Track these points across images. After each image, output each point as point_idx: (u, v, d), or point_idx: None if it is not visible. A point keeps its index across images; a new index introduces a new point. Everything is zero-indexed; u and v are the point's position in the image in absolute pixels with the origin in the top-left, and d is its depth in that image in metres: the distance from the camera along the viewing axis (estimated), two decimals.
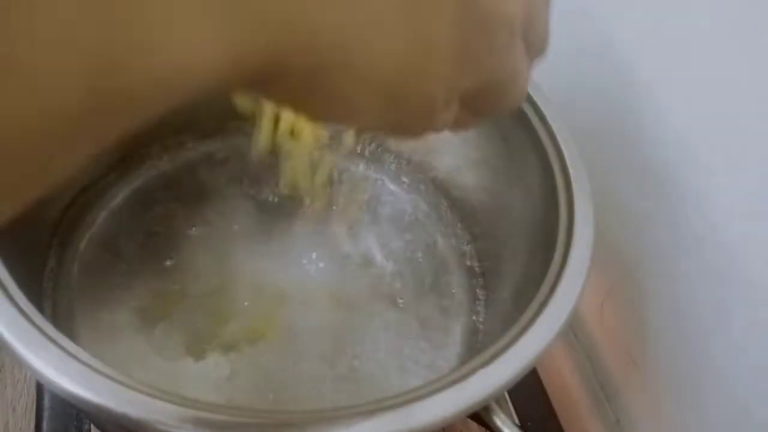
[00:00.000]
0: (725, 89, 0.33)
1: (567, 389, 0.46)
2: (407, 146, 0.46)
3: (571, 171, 0.34)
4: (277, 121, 0.33)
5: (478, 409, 0.26)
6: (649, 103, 0.38)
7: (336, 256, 0.40)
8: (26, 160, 0.12)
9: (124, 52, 0.11)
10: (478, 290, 0.40)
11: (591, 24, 0.43)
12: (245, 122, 0.33)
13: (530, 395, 0.43)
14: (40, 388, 0.39)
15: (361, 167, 0.45)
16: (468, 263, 0.42)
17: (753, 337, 0.32)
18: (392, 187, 0.45)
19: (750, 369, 0.33)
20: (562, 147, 0.35)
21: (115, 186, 0.41)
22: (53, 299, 0.34)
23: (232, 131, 0.43)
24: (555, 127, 0.36)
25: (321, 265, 0.39)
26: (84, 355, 0.23)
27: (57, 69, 0.11)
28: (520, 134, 0.37)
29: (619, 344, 0.43)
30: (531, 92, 0.37)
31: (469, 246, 0.42)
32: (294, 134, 0.33)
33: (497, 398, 0.26)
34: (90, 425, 0.37)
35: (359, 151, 0.45)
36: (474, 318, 0.39)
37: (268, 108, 0.32)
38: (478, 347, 0.37)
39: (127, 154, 0.42)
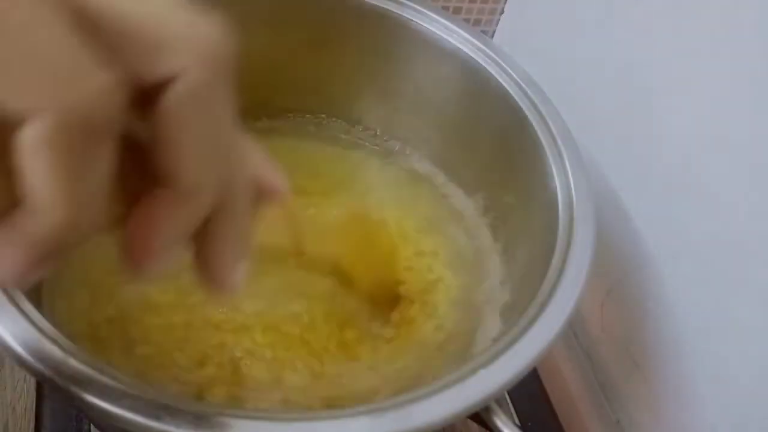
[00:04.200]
0: (726, 89, 0.33)
1: (567, 389, 0.46)
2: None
3: (570, 171, 0.34)
4: None
5: (479, 410, 0.26)
6: (649, 103, 0.38)
7: None
8: None
9: None
10: (478, 290, 0.40)
11: (591, 24, 0.43)
12: None
13: (531, 395, 0.44)
14: (40, 388, 0.39)
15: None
16: (468, 263, 0.41)
17: (753, 337, 0.32)
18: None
19: (750, 369, 0.33)
20: (562, 147, 0.35)
21: None
22: (51, 293, 0.34)
23: None
24: (555, 127, 0.36)
25: None
26: (83, 355, 0.23)
27: None
28: (520, 134, 0.37)
29: (620, 344, 0.43)
30: (531, 92, 0.37)
31: (470, 246, 0.42)
32: None
33: (497, 398, 0.26)
34: (90, 425, 0.37)
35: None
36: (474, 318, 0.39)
37: None
38: (479, 347, 0.37)
39: None
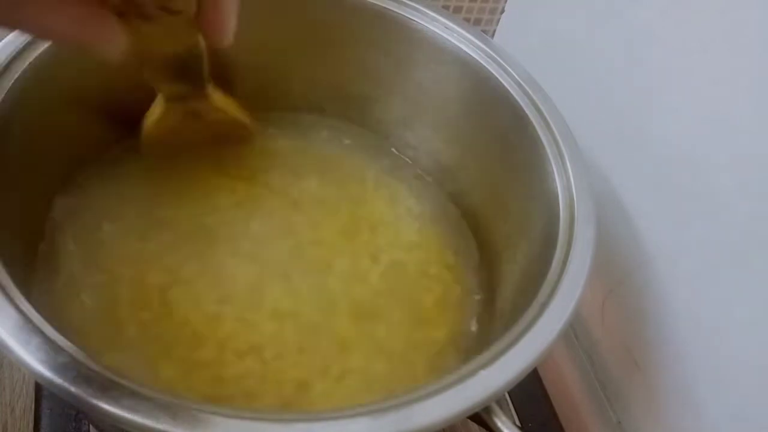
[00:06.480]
0: (727, 88, 0.33)
1: (568, 390, 0.46)
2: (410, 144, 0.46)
3: (571, 171, 0.34)
4: None
5: (479, 410, 0.26)
6: (650, 103, 0.38)
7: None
8: None
9: None
10: (478, 290, 0.40)
11: (592, 23, 0.43)
12: None
13: (531, 396, 0.43)
14: (38, 388, 0.39)
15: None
16: (468, 263, 0.41)
17: (753, 336, 0.32)
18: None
19: (750, 369, 0.33)
20: (563, 147, 0.35)
21: (115, 169, 0.40)
22: (46, 288, 0.34)
23: None
24: (556, 126, 0.36)
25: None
26: (81, 354, 0.23)
27: None
28: (520, 134, 0.37)
29: (621, 345, 0.43)
30: (531, 92, 0.37)
31: (470, 246, 0.42)
32: None
33: (498, 399, 0.26)
34: (89, 426, 0.37)
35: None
36: (475, 318, 0.39)
37: None
38: (479, 348, 0.37)
39: (120, 137, 0.41)
